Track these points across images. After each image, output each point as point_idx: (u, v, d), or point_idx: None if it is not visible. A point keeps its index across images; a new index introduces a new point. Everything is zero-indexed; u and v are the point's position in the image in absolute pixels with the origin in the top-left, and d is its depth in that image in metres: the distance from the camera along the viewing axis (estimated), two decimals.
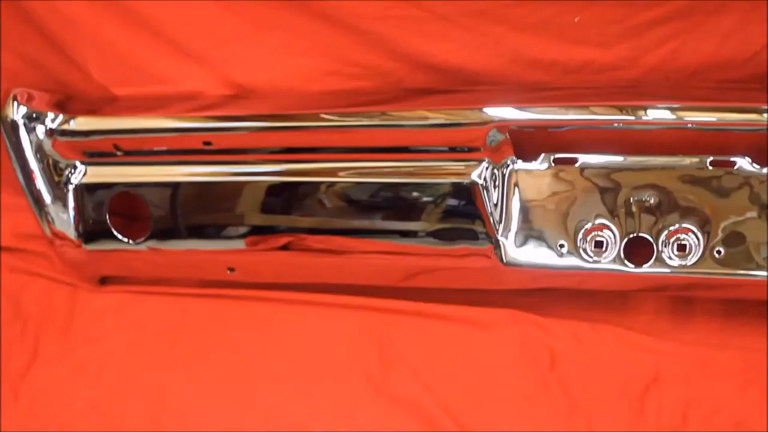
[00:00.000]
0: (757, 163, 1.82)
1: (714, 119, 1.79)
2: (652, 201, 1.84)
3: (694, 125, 1.79)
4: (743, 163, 1.82)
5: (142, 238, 2.08)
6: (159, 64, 2.11)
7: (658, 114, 1.80)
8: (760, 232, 1.81)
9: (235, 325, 2.07)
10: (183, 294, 2.14)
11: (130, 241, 2.09)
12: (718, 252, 1.82)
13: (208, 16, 2.04)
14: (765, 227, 1.80)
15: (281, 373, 1.97)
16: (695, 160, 1.84)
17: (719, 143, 1.84)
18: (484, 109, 1.86)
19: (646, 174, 1.86)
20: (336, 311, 2.04)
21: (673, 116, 1.80)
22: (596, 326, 1.93)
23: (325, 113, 1.95)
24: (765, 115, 1.77)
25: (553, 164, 1.89)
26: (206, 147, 2.00)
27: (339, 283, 2.07)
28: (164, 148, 2.05)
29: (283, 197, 2.00)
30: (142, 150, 2.06)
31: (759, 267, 1.81)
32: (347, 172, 1.96)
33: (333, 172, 1.98)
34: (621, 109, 1.81)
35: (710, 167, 1.84)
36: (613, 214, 1.86)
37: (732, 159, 1.83)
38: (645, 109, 1.81)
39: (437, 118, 1.89)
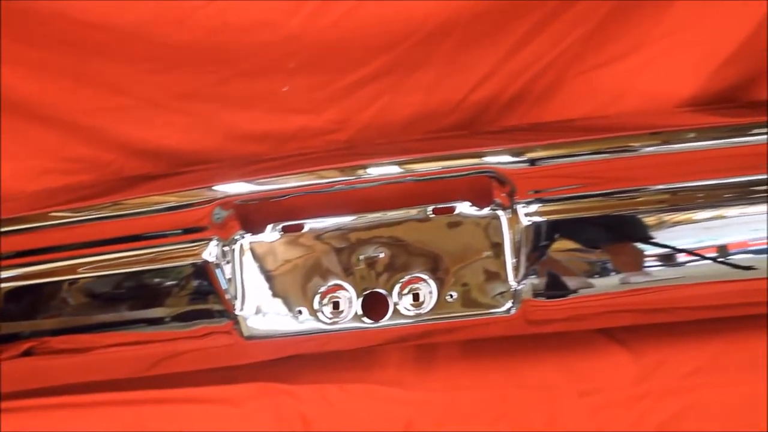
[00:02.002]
0: (477, 206, 1.86)
1: (432, 169, 1.84)
2: (382, 255, 1.87)
3: (414, 177, 1.83)
4: (463, 207, 1.87)
5: None
6: None
7: (378, 170, 1.85)
8: (488, 272, 1.86)
9: None
10: None
11: None
12: (451, 296, 1.86)
13: None
14: (492, 266, 1.84)
15: None
16: (418, 210, 1.88)
17: (440, 191, 1.89)
18: (205, 188, 1.85)
19: (373, 230, 1.90)
20: (83, 411, 1.98)
21: (393, 171, 1.84)
22: (345, 386, 1.93)
23: (55, 211, 1.90)
24: (484, 158, 1.82)
25: (281, 233, 1.89)
26: None
27: (85, 382, 2.01)
28: None
29: (21, 302, 1.94)
30: None
31: (491, 305, 1.86)
32: (84, 268, 1.91)
33: (71, 269, 1.92)
34: (341, 170, 1.84)
35: (433, 215, 1.87)
36: (347, 273, 1.88)
37: (452, 205, 1.87)
38: (364, 167, 1.85)
39: (162, 202, 1.88)
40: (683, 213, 1.87)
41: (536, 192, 1.85)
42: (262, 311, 1.90)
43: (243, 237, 1.89)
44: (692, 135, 1.86)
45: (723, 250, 1.86)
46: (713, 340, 1.96)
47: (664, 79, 1.93)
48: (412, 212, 1.89)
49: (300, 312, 1.89)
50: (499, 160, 1.83)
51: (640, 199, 1.87)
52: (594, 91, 1.96)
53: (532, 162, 1.83)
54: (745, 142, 1.85)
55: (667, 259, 1.87)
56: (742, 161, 1.86)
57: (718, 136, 1.86)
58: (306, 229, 1.90)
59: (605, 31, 1.93)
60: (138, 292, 1.92)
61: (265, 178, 1.87)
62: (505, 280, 1.86)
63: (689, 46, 1.92)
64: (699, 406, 1.88)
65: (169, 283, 1.90)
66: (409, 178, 1.84)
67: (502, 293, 1.86)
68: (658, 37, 1.93)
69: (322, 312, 1.88)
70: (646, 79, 1.94)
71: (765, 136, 1.85)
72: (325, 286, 1.89)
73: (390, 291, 1.87)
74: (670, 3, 1.92)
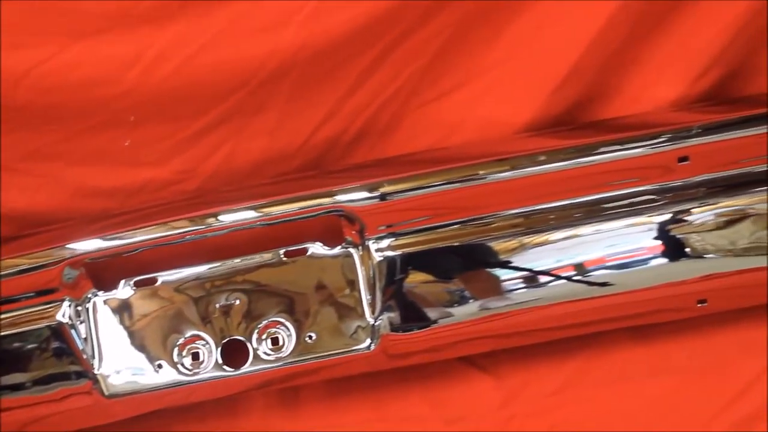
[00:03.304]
0: (329, 246, 1.88)
1: (281, 212, 1.86)
2: (238, 302, 1.88)
3: (263, 221, 1.85)
4: (315, 248, 1.89)
5: None
6: None
7: (227, 217, 1.86)
8: (345, 310, 1.88)
9: None
10: None
11: None
12: (310, 337, 1.88)
13: None
14: (349, 304, 1.87)
15: None
16: (270, 254, 1.90)
17: (292, 233, 1.90)
18: (54, 248, 1.84)
19: (228, 278, 1.91)
20: None
21: (242, 217, 1.86)
22: None
23: None
24: (331, 198, 1.84)
25: (135, 288, 1.88)
26: None
27: None
28: None
29: None
30: None
31: (350, 343, 1.89)
32: None
33: None
34: (191, 220, 1.85)
35: (285, 258, 1.88)
36: (204, 322, 1.89)
37: (304, 246, 1.88)
38: (214, 215, 1.86)
39: (13, 266, 1.88)
40: (538, 235, 1.92)
41: (387, 227, 1.88)
42: (121, 368, 1.89)
43: (96, 295, 1.89)
44: (542, 158, 1.88)
45: (579, 268, 1.91)
46: (573, 358, 2.01)
47: (501, 106, 1.97)
48: (265, 256, 1.91)
49: (160, 366, 1.88)
50: (346, 198, 1.86)
51: (494, 225, 1.90)
52: (434, 123, 1.99)
53: (381, 197, 1.86)
54: (592, 161, 1.90)
55: (525, 282, 1.91)
56: (591, 180, 1.91)
57: (566, 158, 1.89)
58: (159, 282, 1.90)
59: (440, 64, 1.97)
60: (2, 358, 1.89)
61: (114, 233, 1.87)
62: (363, 317, 1.89)
63: (523, 71, 1.96)
64: (565, 424, 1.94)
65: (26, 347, 1.89)
66: (259, 223, 1.86)
67: (360, 330, 1.88)
68: (491, 65, 1.97)
69: (182, 364, 1.88)
70: (483, 108, 1.98)
71: (610, 155, 1.88)
72: (183, 338, 1.89)
73: (249, 337, 1.88)
74: (500, 31, 1.96)
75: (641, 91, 2.00)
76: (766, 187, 1.94)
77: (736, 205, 1.93)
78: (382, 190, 1.85)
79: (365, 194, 1.85)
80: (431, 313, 1.90)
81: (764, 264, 1.93)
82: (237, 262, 1.89)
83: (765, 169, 1.94)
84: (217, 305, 1.88)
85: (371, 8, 1.88)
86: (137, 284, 1.89)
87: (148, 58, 1.87)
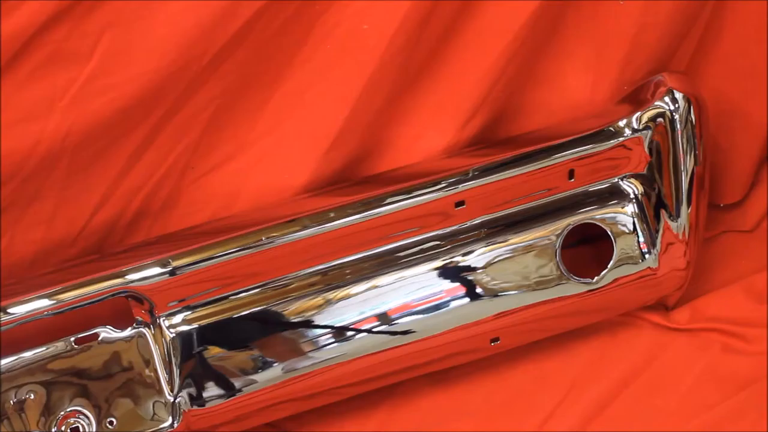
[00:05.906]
0: (119, 328, 1.89)
1: (66, 299, 1.85)
2: (33, 396, 1.86)
3: (50, 311, 1.84)
4: (106, 332, 1.89)
5: None
6: None
7: (16, 310, 1.84)
8: (143, 391, 1.90)
9: None
10: None
11: None
12: (111, 423, 1.89)
13: None
14: (147, 384, 1.88)
15: None
16: (62, 342, 1.90)
17: (82, 320, 1.91)
18: None
19: (20, 372, 1.89)
20: None
21: (24, 309, 1.84)
22: None
23: None
24: (116, 279, 1.84)
25: None
26: None
27: None
28: None
29: None
30: None
31: (152, 424, 1.91)
32: None
33: None
34: None
35: (77, 346, 1.88)
36: (1, 420, 1.85)
37: (94, 332, 1.89)
38: (2, 309, 1.83)
39: None
40: (335, 291, 1.97)
41: (179, 302, 1.90)
42: None
43: None
44: (331, 215, 1.93)
45: (378, 319, 1.97)
46: (377, 410, 2.08)
47: (276, 171, 2.01)
48: (58, 346, 1.90)
49: None
50: (132, 277, 1.87)
51: (289, 286, 1.94)
52: (211, 195, 2.02)
53: (170, 273, 1.87)
54: (373, 214, 1.95)
55: (325, 340, 1.96)
56: (378, 232, 1.98)
57: (352, 212, 1.94)
58: None
59: (210, 137, 2.00)
60: None
61: None
62: (162, 395, 1.89)
63: (294, 135, 2.01)
64: None
65: None
66: (46, 312, 1.84)
67: (161, 409, 1.90)
68: (262, 132, 2.01)
69: None
70: (259, 175, 2.02)
71: (390, 206, 1.94)
72: None
73: (48, 431, 1.86)
74: (266, 99, 2.01)
75: (412, 142, 2.07)
76: (544, 223, 2.00)
77: (519, 242, 2.01)
78: (169, 265, 1.87)
79: (151, 271, 1.87)
80: (232, 383, 1.93)
81: (551, 296, 1.99)
82: (28, 355, 1.87)
83: (541, 203, 2.00)
84: (12, 401, 1.85)
85: (134, 89, 1.90)
86: None
87: None
